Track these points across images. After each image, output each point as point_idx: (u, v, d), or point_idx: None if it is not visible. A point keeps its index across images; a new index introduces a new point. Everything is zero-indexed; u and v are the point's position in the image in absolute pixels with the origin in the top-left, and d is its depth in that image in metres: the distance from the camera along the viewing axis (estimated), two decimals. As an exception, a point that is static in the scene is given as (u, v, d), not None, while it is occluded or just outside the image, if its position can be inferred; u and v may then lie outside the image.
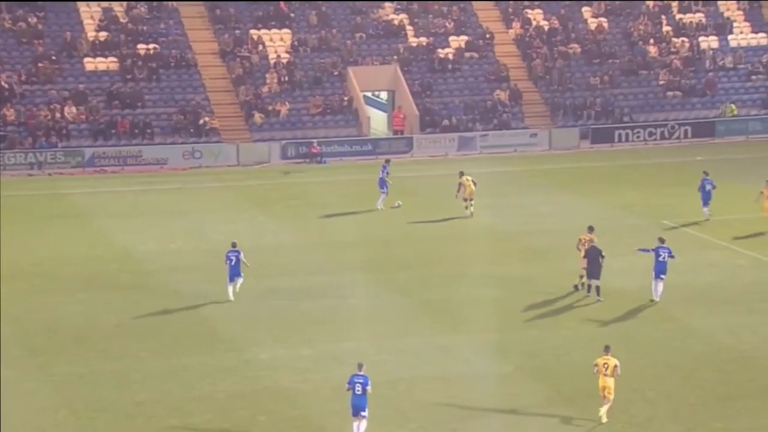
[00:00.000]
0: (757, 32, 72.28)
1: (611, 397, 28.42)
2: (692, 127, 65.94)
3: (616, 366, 28.42)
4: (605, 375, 28.44)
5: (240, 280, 37.94)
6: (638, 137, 65.27)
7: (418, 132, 64.62)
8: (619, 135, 65.21)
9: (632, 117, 66.63)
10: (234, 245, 38.31)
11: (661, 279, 37.06)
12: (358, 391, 27.03)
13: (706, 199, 47.17)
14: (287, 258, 42.76)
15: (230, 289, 37.73)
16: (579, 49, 69.67)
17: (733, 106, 67.09)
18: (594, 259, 37.25)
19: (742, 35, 72.03)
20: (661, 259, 37.01)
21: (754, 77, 69.57)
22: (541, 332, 34.67)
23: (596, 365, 28.69)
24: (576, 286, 38.10)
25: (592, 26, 71.29)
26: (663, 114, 67.33)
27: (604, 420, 28.34)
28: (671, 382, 30.70)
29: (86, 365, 32.29)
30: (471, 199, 48.14)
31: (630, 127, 65.63)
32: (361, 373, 27.27)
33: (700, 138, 65.34)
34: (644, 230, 45.44)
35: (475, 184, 48.25)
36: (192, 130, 62.80)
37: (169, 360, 32.68)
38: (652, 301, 37.06)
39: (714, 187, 47.33)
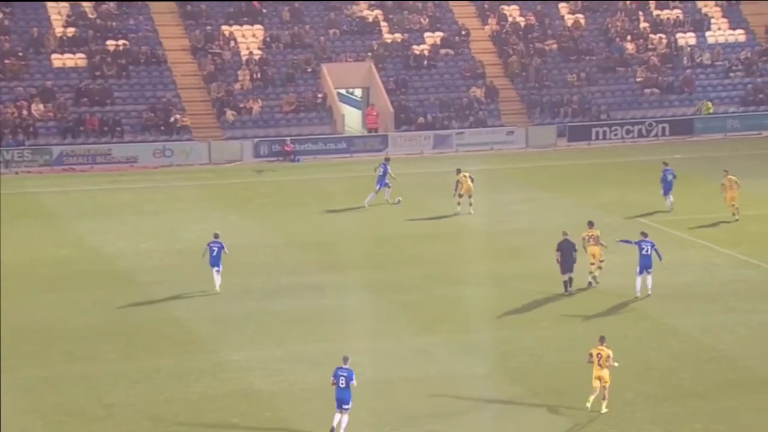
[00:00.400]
0: (734, 29, 72.60)
1: (607, 385, 28.78)
2: (670, 124, 66.20)
3: (609, 356, 28.82)
4: (599, 365, 28.78)
5: (218, 274, 38.22)
6: (616, 135, 65.48)
7: (393, 130, 64.62)
8: (597, 133, 65.40)
9: (609, 115, 66.83)
10: (216, 236, 38.62)
11: (648, 273, 37.28)
12: (341, 384, 27.34)
13: (667, 189, 48.44)
14: (260, 258, 42.68)
15: (216, 276, 38.14)
16: (556, 46, 69.83)
17: (710, 104, 67.35)
18: (567, 252, 37.51)
19: (720, 32, 72.35)
20: (644, 252, 37.23)
21: (732, 74, 69.88)
22: (517, 332, 34.72)
23: (590, 355, 29.05)
24: (589, 283, 38.37)
25: (569, 23, 71.47)
26: (640, 111, 67.56)
27: (604, 410, 28.70)
28: (649, 383, 30.80)
29: (54, 368, 32.14)
30: (470, 196, 48.28)
31: (607, 124, 65.81)
32: (346, 366, 27.58)
33: (678, 135, 65.60)
34: (622, 229, 45.48)
35: (472, 180, 48.35)
36: (163, 128, 62.60)
37: (139, 362, 32.56)
38: (636, 298, 37.23)
39: (674, 177, 48.36)
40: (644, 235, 37.93)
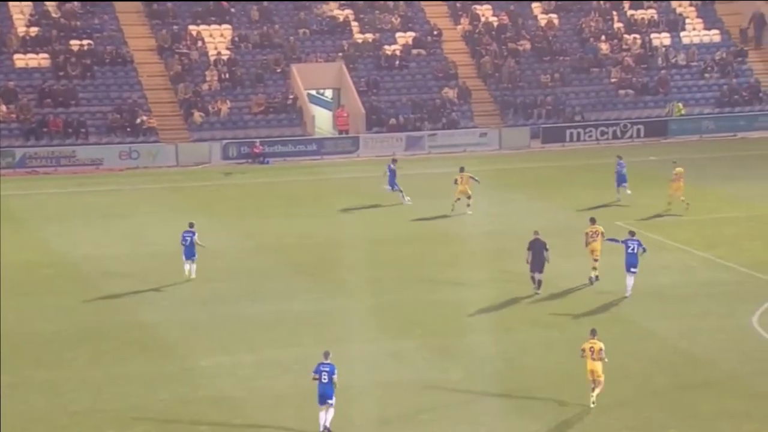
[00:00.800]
0: (709, 29, 73.02)
1: (601, 379, 29.16)
2: (645, 126, 66.50)
3: (601, 349, 29.31)
4: (592, 359, 29.23)
5: (194, 264, 38.90)
6: (590, 136, 65.72)
7: (365, 131, 64.65)
8: (571, 134, 65.63)
9: (584, 116, 67.06)
10: (191, 225, 39.19)
11: (633, 273, 37.56)
12: (324, 379, 27.62)
13: (621, 180, 50.34)
14: (229, 261, 42.58)
15: (186, 267, 38.76)
16: (529, 46, 70.04)
17: (680, 105, 67.64)
18: (538, 252, 37.72)
19: (695, 32, 72.76)
20: (630, 251, 37.56)
21: (707, 75, 70.26)
22: (492, 336, 34.76)
23: (583, 350, 29.47)
24: (591, 279, 38.86)
25: (543, 23, 71.70)
26: (615, 113, 67.83)
27: (593, 403, 29.14)
28: (625, 387, 30.88)
29: (18, 375, 31.93)
30: (468, 197, 48.49)
31: (582, 126, 66.06)
32: (328, 361, 27.86)
33: (653, 137, 65.93)
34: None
35: (476, 180, 48.77)
36: (128, 130, 62.40)
37: (105, 368, 32.42)
38: (626, 297, 37.73)
39: (624, 167, 50.61)
40: (631, 234, 38.38)
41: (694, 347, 33.94)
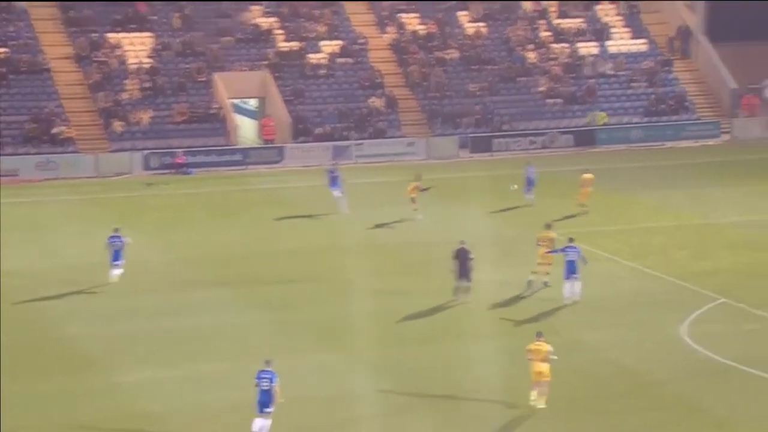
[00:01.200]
0: (636, 38, 74.07)
1: (547, 381, 29.92)
2: (574, 135, 67.26)
3: (548, 351, 30.02)
4: (538, 361, 29.94)
5: (120, 269, 39.33)
6: (518, 146, 66.33)
7: (291, 141, 64.69)
8: (499, 144, 66.20)
9: (512, 125, 67.65)
10: (116, 230, 39.78)
11: (575, 278, 38.22)
12: (264, 386, 27.79)
13: (530, 186, 51.91)
14: (151, 274, 42.40)
15: (113, 272, 39.16)
16: (457, 55, 70.55)
17: (603, 114, 68.46)
18: (464, 261, 38.14)
19: (622, 41, 73.77)
20: (568, 258, 38.16)
21: (634, 84, 71.22)
22: (421, 348, 34.94)
23: (529, 351, 30.14)
24: (545, 283, 39.74)
25: (470, 31, 72.27)
26: (543, 122, 68.52)
27: (540, 405, 29.70)
28: (556, 399, 31.17)
29: (-66, 392, 31.54)
30: (413, 201, 49.56)
31: (510, 135, 66.63)
32: (269, 368, 28.07)
33: (582, 146, 66.68)
34: (525, 241, 46.15)
35: (422, 190, 49.70)
36: (45, 140, 61.88)
37: (26, 384, 32.13)
38: (566, 305, 38.20)
39: (533, 173, 52.48)
40: (570, 240, 38.89)
41: (624, 358, 34.36)
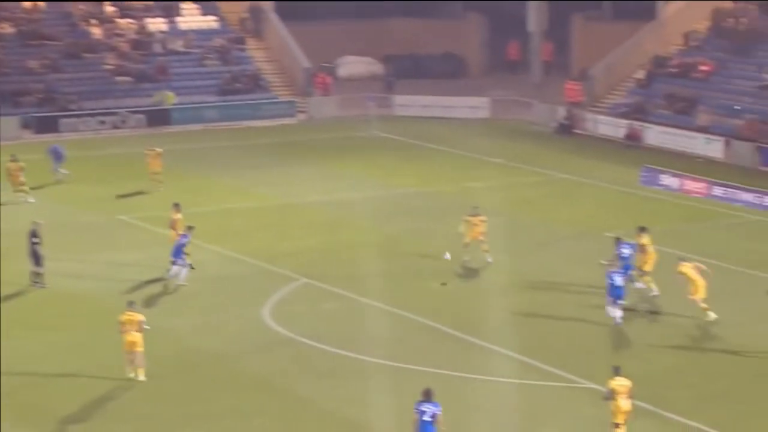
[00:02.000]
0: (205, 15, 74.51)
1: (141, 351, 31.03)
2: (147, 114, 66.75)
3: (141, 321, 31.19)
4: (132, 331, 30.91)
5: None
6: (88, 126, 65.17)
7: None
8: (66, 124, 64.77)
9: (80, 104, 66.26)
10: None
11: (179, 264, 38.61)
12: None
13: (57, 161, 53.22)
14: None
15: None
16: (13, 30, 68.33)
17: (171, 94, 68.29)
18: (33, 245, 38.25)
19: (192, 17, 74.03)
20: (179, 243, 38.73)
21: (207, 62, 71.51)
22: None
23: (121, 322, 31.19)
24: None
25: (27, 5, 70.18)
26: (114, 101, 67.53)
27: (141, 378, 30.73)
28: (142, 387, 30.80)
29: None
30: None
31: (78, 115, 65.28)
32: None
33: (156, 126, 66.22)
34: (101, 227, 45.57)
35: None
36: None
37: None
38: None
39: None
40: (189, 228, 39.45)
41: (207, 342, 34.50)
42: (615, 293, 35.75)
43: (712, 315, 35.26)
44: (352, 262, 42.13)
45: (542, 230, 46.33)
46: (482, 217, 41.43)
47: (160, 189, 50.79)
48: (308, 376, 32.30)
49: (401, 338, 35.09)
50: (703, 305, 35.38)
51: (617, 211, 48.84)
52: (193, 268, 39.38)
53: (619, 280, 35.91)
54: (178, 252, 38.72)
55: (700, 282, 35.12)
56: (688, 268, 35.17)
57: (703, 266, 36.30)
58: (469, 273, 40.92)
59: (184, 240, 39.06)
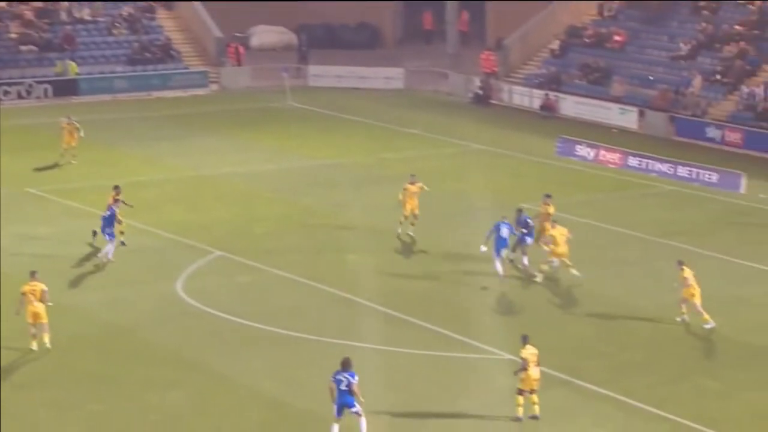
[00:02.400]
0: (114, -18, 74.03)
1: (44, 322, 31.17)
2: (53, 85, 66.25)
3: (43, 291, 31.34)
4: (35, 301, 31.10)
5: None
6: (-9, 96, 64.66)
7: None
8: (-32, 96, 64.15)
9: (-14, 74, 65.73)
10: None
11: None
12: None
13: None
14: None
15: None
16: None
17: (74, 64, 67.76)
18: None
19: (99, -15, 73.48)
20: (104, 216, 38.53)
21: (116, 31, 71.05)
22: None
23: (23, 293, 31.25)
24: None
25: (-72, -29, 69.33)
26: (18, 71, 66.92)
27: (47, 344, 31.14)
28: (43, 369, 30.82)
29: None
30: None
31: (-19, 85, 64.79)
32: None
33: (63, 97, 65.76)
34: (8, 199, 45.36)
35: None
36: None
37: None
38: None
39: None
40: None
41: (118, 318, 34.58)
42: (501, 244, 37.16)
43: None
44: (267, 234, 42.40)
45: (458, 201, 46.90)
46: (420, 184, 42.12)
47: (72, 162, 50.56)
48: (223, 349, 32.57)
49: (317, 311, 35.47)
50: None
51: (533, 182, 49.55)
52: (124, 244, 39.48)
53: (505, 231, 37.10)
54: (109, 225, 38.67)
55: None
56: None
57: (568, 233, 37.63)
58: (392, 245, 41.43)
59: (112, 212, 38.87)
